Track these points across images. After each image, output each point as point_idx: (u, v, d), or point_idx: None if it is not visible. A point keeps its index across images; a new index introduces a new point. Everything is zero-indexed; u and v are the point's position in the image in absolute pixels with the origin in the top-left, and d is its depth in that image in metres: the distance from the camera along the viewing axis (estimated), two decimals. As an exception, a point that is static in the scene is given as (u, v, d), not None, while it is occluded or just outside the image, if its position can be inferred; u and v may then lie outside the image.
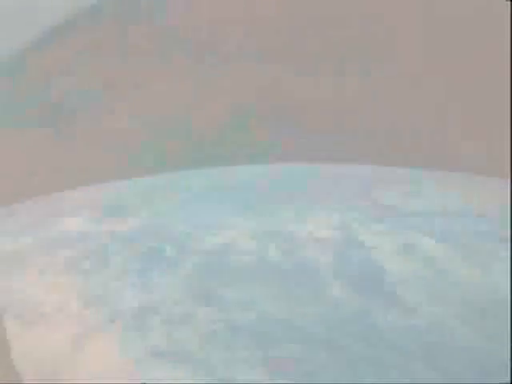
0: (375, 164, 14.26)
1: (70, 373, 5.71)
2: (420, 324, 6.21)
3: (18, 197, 10.67)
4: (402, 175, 13.30)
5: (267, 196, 12.80)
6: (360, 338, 5.92)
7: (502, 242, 8.90)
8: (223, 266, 8.90)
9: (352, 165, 14.57)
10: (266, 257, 8.87)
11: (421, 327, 6.13)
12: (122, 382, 5.42)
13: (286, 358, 5.61)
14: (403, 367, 5.40)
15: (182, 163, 11.81)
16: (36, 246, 10.08)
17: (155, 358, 5.84)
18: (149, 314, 6.83)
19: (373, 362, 5.48)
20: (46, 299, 7.51)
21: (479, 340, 5.82)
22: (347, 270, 8.29)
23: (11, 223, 10.80)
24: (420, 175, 13.32)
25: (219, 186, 13.96)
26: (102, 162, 11.76)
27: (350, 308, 6.71)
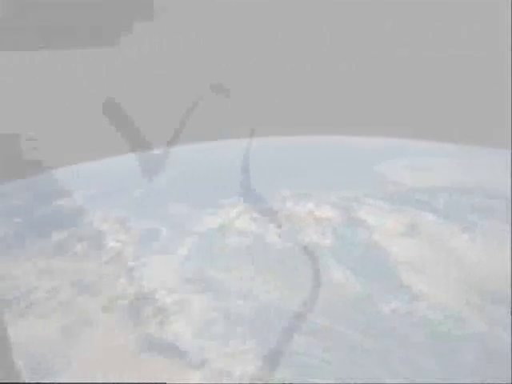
0: (378, 136, 13.40)
1: (62, 364, 5.53)
2: (424, 311, 5.93)
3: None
4: (408, 148, 12.50)
5: (265, 172, 12.02)
6: (362, 327, 5.66)
7: (509, 220, 8.28)
8: (220, 249, 8.38)
9: (354, 137, 13.72)
10: (265, 239, 8.37)
11: (425, 314, 5.85)
12: (115, 375, 5.24)
13: (286, 349, 5.36)
14: (407, 357, 5.16)
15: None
16: (28, 227, 9.58)
17: (149, 350, 5.63)
18: (143, 302, 6.54)
19: (375, 352, 5.23)
20: (37, 286, 7.19)
21: (486, 327, 5.54)
22: (349, 253, 7.83)
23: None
24: (429, 148, 12.49)
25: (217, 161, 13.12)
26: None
27: (351, 294, 6.39)
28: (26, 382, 5.49)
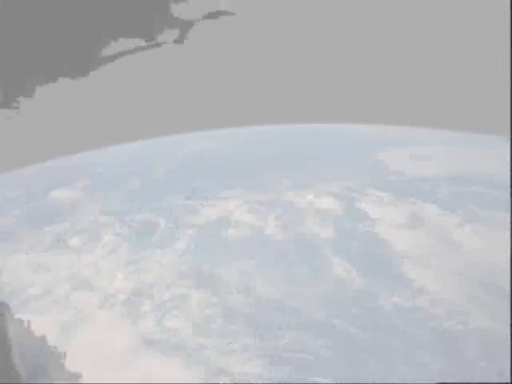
0: (381, 123, 13.47)
1: (58, 362, 5.48)
2: (426, 306, 5.87)
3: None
4: (408, 136, 12.65)
5: (265, 161, 12.23)
6: (363, 322, 5.61)
7: (509, 209, 8.31)
8: (219, 242, 8.45)
9: (355, 124, 13.87)
10: (265, 232, 8.41)
11: (427, 309, 5.79)
12: (112, 372, 5.21)
13: (285, 346, 5.33)
14: (408, 355, 5.11)
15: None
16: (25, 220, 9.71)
17: (147, 347, 5.60)
18: (141, 298, 6.51)
19: (376, 349, 5.18)
20: (33, 280, 7.19)
21: (488, 322, 5.48)
22: (350, 246, 7.82)
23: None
24: (429, 136, 12.66)
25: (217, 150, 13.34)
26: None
27: (352, 289, 6.35)
28: (24, 381, 5.45)
